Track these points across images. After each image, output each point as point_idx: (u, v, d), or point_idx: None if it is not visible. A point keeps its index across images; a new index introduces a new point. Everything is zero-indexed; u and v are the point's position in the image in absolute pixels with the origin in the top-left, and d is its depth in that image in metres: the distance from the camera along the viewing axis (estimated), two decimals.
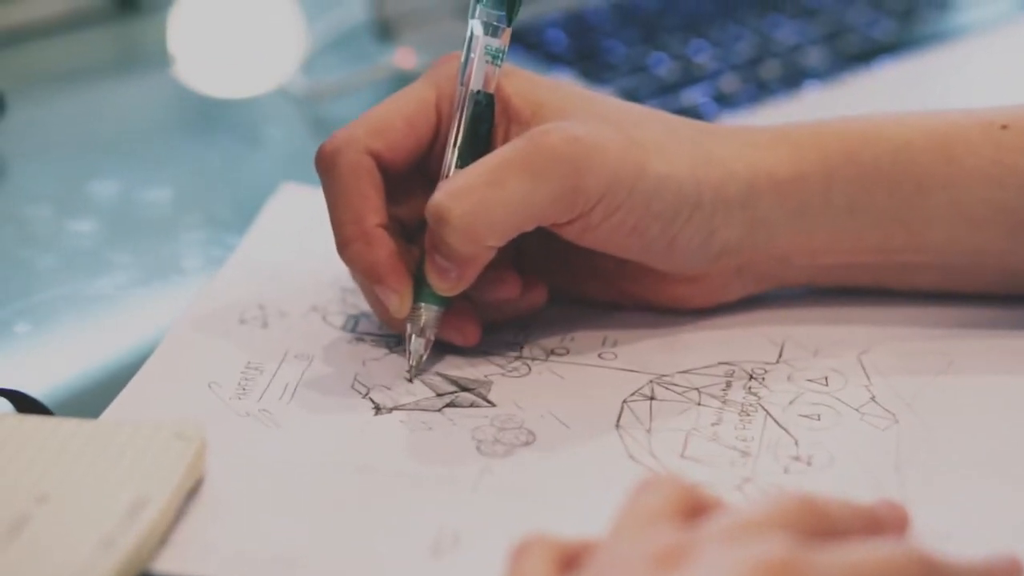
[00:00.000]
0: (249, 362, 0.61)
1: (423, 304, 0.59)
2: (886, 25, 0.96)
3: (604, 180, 0.57)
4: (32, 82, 0.96)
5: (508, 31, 0.59)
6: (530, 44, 0.93)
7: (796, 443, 0.56)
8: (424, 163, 0.61)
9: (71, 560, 0.48)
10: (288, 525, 0.52)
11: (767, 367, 0.61)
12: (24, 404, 0.58)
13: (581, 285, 0.64)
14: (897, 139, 0.61)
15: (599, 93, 0.62)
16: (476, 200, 0.56)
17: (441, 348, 0.61)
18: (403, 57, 0.91)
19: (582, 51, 0.92)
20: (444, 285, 0.58)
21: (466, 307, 0.61)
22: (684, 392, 0.59)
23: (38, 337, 0.68)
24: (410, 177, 0.60)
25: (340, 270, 0.65)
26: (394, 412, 0.58)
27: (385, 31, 0.93)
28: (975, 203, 0.60)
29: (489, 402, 0.59)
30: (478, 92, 0.59)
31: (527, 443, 0.56)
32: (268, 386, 0.59)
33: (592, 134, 0.57)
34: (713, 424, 0.57)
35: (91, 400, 0.59)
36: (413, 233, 0.61)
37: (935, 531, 0.50)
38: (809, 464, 0.55)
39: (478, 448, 0.56)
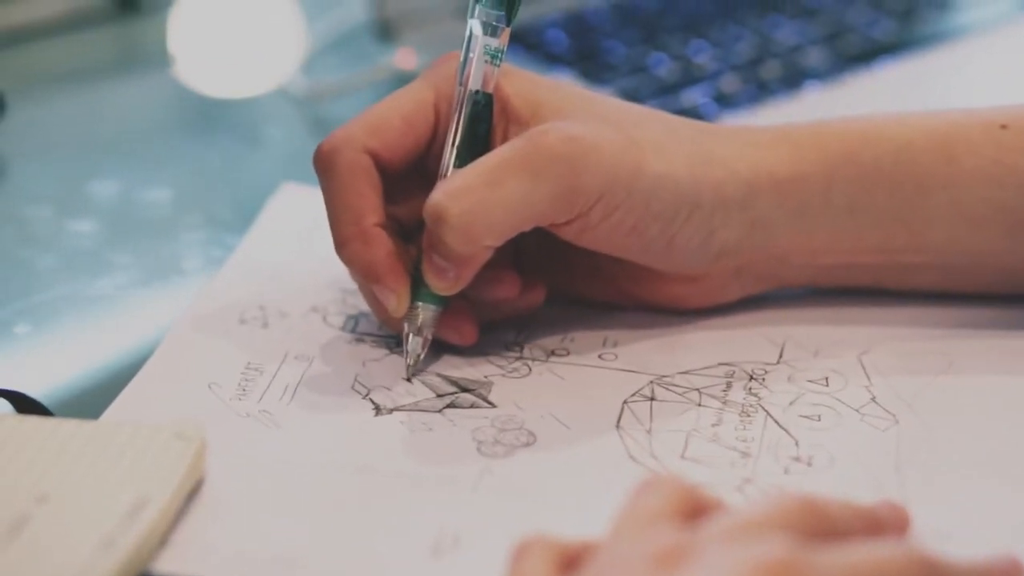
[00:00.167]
0: (249, 363, 0.61)
1: (421, 303, 0.59)
2: (886, 25, 0.96)
3: (602, 180, 0.57)
4: (32, 82, 0.96)
5: (507, 31, 0.59)
6: (530, 44, 0.93)
7: (796, 444, 0.56)
8: (422, 163, 0.61)
9: (71, 560, 0.48)
10: (288, 526, 0.52)
11: (767, 368, 0.61)
12: (24, 405, 0.58)
13: (580, 285, 0.64)
14: (898, 139, 0.61)
15: (598, 93, 0.62)
16: (474, 200, 0.56)
17: (441, 349, 0.61)
18: (403, 57, 0.91)
19: (582, 51, 0.92)
20: (442, 285, 0.58)
21: (464, 306, 0.61)
22: (684, 393, 0.59)
23: (38, 338, 0.68)
24: (408, 176, 0.60)
25: (340, 271, 0.65)
26: (394, 413, 0.58)
27: (385, 31, 0.93)
28: (975, 203, 0.60)
29: (489, 403, 0.59)
30: (477, 92, 0.59)
31: (527, 444, 0.56)
32: (268, 387, 0.59)
33: (591, 134, 0.57)
34: (713, 425, 0.57)
35: (91, 401, 0.59)
36: (411, 232, 0.61)
37: (935, 531, 0.50)
38: (809, 465, 0.55)
39: (478, 449, 0.56)
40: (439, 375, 0.60)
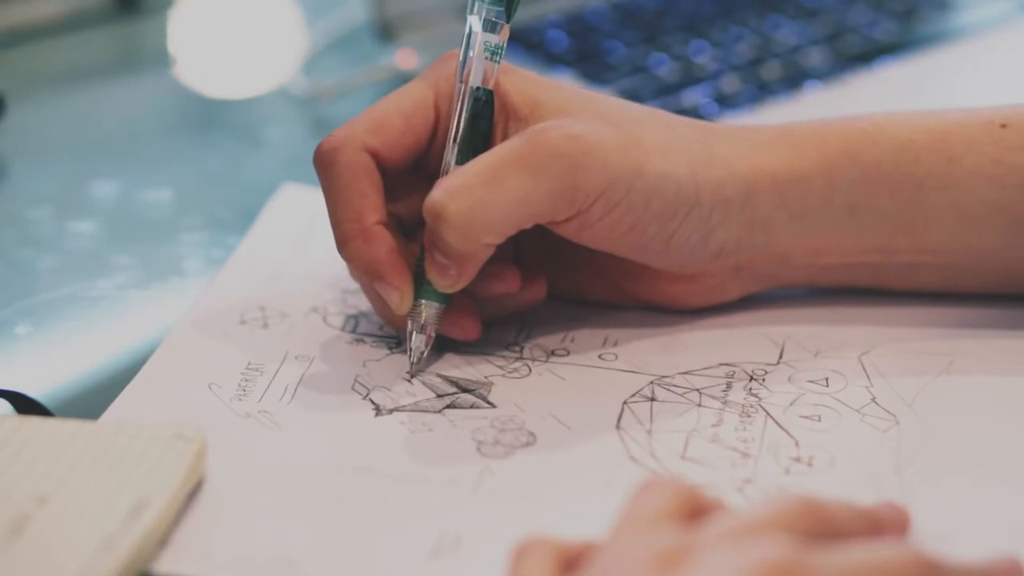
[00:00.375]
0: (249, 363, 0.61)
1: (424, 301, 0.59)
2: (887, 26, 0.96)
3: (602, 178, 0.57)
4: (32, 82, 0.96)
5: (507, 27, 0.59)
6: (531, 45, 0.93)
7: (797, 444, 0.56)
8: (423, 161, 0.61)
9: (71, 561, 0.48)
10: (288, 526, 0.52)
11: (768, 368, 0.60)
12: (24, 405, 0.58)
13: (580, 284, 0.64)
14: (899, 139, 0.61)
15: (599, 92, 0.62)
16: (474, 198, 0.56)
17: (442, 349, 0.61)
18: (404, 58, 0.91)
19: (583, 52, 0.92)
20: (444, 282, 0.58)
21: (466, 302, 0.61)
22: (685, 393, 0.59)
23: (39, 338, 0.68)
24: (409, 175, 0.60)
25: (340, 271, 0.65)
26: (394, 413, 0.58)
27: (386, 32, 0.93)
28: (976, 202, 0.60)
29: (489, 403, 0.59)
30: (477, 88, 0.59)
31: (527, 444, 0.56)
32: (268, 387, 0.59)
33: (591, 132, 0.57)
34: (714, 425, 0.57)
35: (91, 401, 0.59)
36: (412, 230, 0.61)
37: (936, 532, 0.50)
38: (810, 465, 0.55)
39: (479, 449, 0.56)
40: (439, 375, 0.60)
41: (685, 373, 0.60)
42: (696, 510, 0.46)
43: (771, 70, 0.90)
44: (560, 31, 0.95)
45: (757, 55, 0.92)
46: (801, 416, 0.58)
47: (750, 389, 0.59)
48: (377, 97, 0.61)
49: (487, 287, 0.60)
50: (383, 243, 0.58)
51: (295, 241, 0.69)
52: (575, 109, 0.59)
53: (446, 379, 0.60)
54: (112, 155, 0.86)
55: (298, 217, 0.71)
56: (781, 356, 0.61)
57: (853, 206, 0.60)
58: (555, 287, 0.64)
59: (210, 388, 0.59)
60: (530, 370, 0.61)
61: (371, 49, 0.94)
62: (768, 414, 0.58)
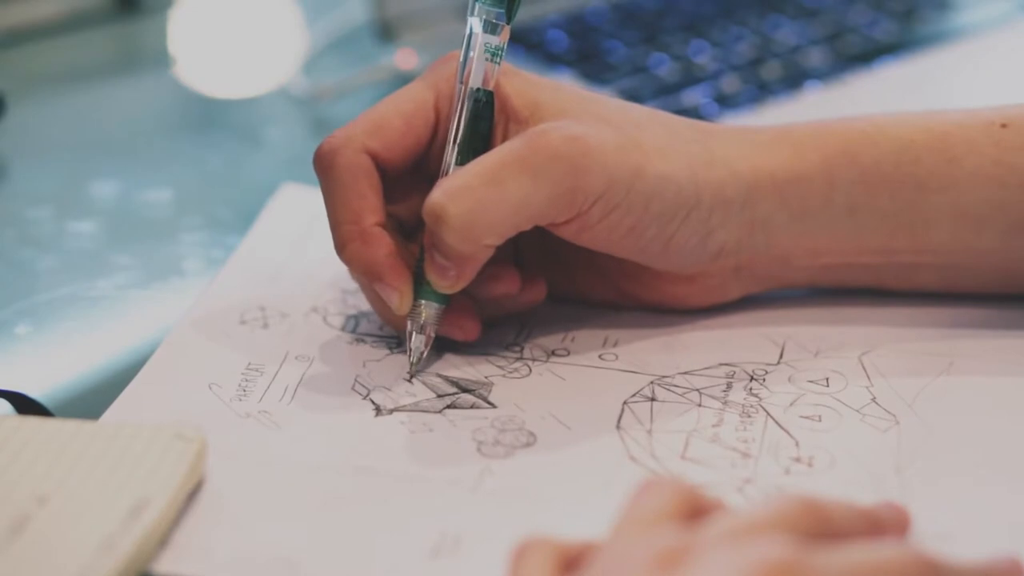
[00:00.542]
0: (250, 363, 0.61)
1: (423, 301, 0.59)
2: (887, 26, 0.96)
3: (602, 180, 0.57)
4: (32, 82, 0.96)
5: (507, 29, 0.59)
6: (531, 45, 0.93)
7: (797, 444, 0.56)
8: (422, 162, 0.61)
9: (71, 561, 0.48)
10: (288, 526, 0.52)
11: (768, 368, 0.60)
12: (24, 405, 0.58)
13: (579, 285, 0.64)
14: (899, 139, 0.61)
15: (599, 94, 0.62)
16: (474, 200, 0.56)
17: (442, 349, 0.61)
18: (404, 58, 0.91)
19: (583, 52, 0.92)
20: (444, 283, 0.58)
21: (466, 303, 0.61)
22: (685, 393, 0.59)
23: (39, 338, 0.68)
24: (408, 175, 0.60)
25: (340, 271, 0.65)
26: (395, 413, 0.58)
27: (386, 32, 0.93)
28: (976, 203, 0.60)
29: (490, 403, 0.59)
30: (478, 90, 0.59)
31: (528, 444, 0.56)
32: (268, 387, 0.59)
33: (591, 134, 0.57)
34: (714, 425, 0.57)
35: (91, 401, 0.59)
36: (412, 231, 0.61)
37: (936, 532, 0.50)
38: (810, 465, 0.55)
39: (479, 449, 0.56)
40: (439, 376, 0.60)
41: (685, 373, 0.60)
42: (696, 510, 0.46)
43: (771, 70, 0.90)
44: (560, 31, 0.95)
45: (757, 55, 0.92)
46: (801, 416, 0.58)
47: (750, 389, 0.59)
48: (377, 97, 0.61)
49: (486, 288, 0.60)
50: (382, 245, 0.58)
51: (295, 241, 0.69)
52: (575, 111, 0.59)
53: (446, 379, 0.60)
54: (112, 155, 0.86)
55: (298, 217, 0.71)
56: (781, 356, 0.61)
57: (853, 206, 0.60)
58: (555, 288, 0.64)
59: (210, 388, 0.59)
60: (530, 370, 0.61)
61: (371, 49, 0.94)
62: (768, 414, 0.58)
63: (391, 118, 0.59)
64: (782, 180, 0.60)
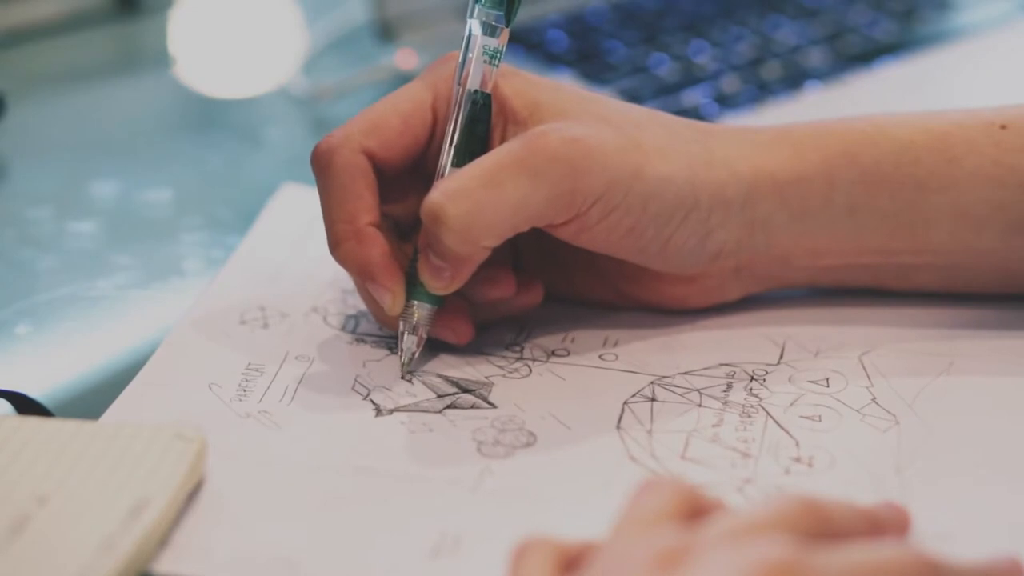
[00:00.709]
0: (250, 363, 0.61)
1: (416, 302, 0.59)
2: (887, 26, 0.96)
3: (601, 181, 0.57)
4: (32, 82, 0.96)
5: (506, 31, 0.59)
6: (531, 45, 0.93)
7: (797, 444, 0.56)
8: (420, 162, 0.61)
9: (71, 561, 0.48)
10: (288, 527, 0.52)
11: (768, 368, 0.60)
12: (24, 406, 0.58)
13: (578, 286, 0.64)
14: (899, 140, 0.61)
15: (598, 94, 0.62)
16: (472, 201, 0.56)
17: (442, 349, 0.61)
18: (404, 58, 0.91)
19: (583, 52, 0.92)
20: (438, 284, 0.58)
21: (460, 305, 0.61)
22: (685, 393, 0.59)
23: (39, 338, 0.68)
24: (405, 176, 0.60)
25: (340, 271, 0.65)
26: (395, 414, 0.58)
27: (386, 32, 0.93)
28: (976, 203, 0.60)
29: (490, 403, 0.59)
30: (475, 92, 0.59)
31: (528, 444, 0.56)
32: (268, 387, 0.59)
33: (590, 135, 0.57)
34: (714, 425, 0.57)
35: (91, 401, 0.59)
36: (408, 231, 0.61)
37: (936, 532, 0.50)
38: (810, 465, 0.55)
39: (479, 449, 0.56)
40: (439, 376, 0.60)
41: (685, 373, 0.60)
42: (696, 510, 0.46)
43: (771, 70, 0.90)
44: (560, 31, 0.95)
45: (757, 55, 0.92)
46: (801, 416, 0.58)
47: (750, 389, 0.59)
48: (377, 97, 0.61)
49: (482, 291, 0.60)
50: (376, 244, 0.58)
51: (295, 241, 0.69)
52: (574, 111, 0.59)
53: (446, 379, 0.60)
54: (112, 155, 0.86)
55: (298, 217, 0.71)
56: (781, 356, 0.61)
57: (853, 206, 0.60)
58: (554, 289, 0.64)
59: (210, 388, 0.59)
60: (530, 370, 0.61)
61: (371, 49, 0.94)
62: (768, 414, 0.58)
63: (389, 118, 0.59)
64: (782, 180, 0.60)
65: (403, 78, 0.87)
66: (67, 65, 0.99)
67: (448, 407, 0.58)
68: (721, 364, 0.61)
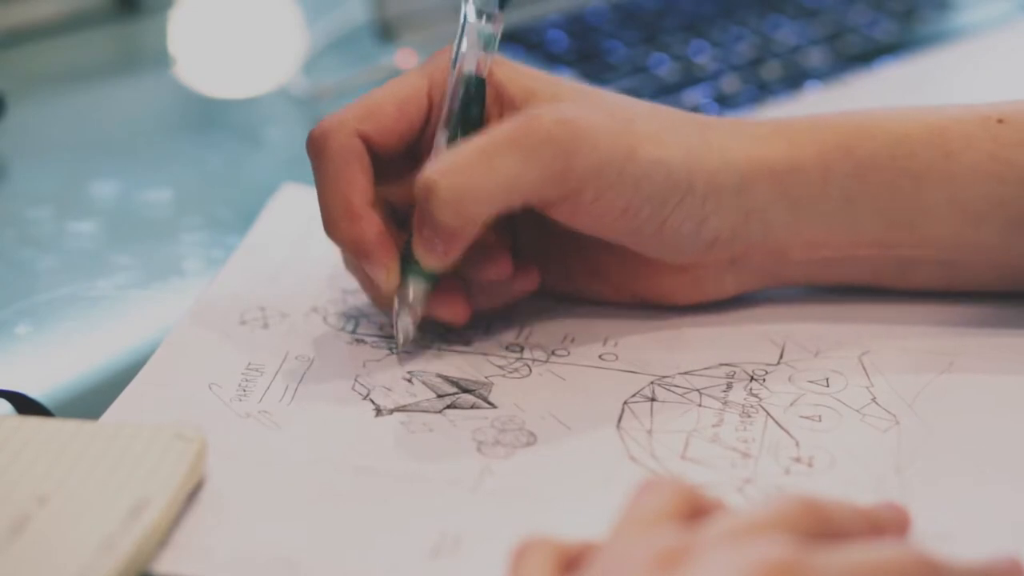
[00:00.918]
0: (250, 363, 0.61)
1: (411, 278, 0.59)
2: (887, 26, 0.96)
3: (594, 162, 0.57)
4: (32, 82, 0.96)
5: (501, 16, 0.59)
6: (531, 45, 0.93)
7: (797, 444, 0.56)
8: (415, 148, 0.61)
9: (71, 561, 0.48)
10: (288, 527, 0.52)
11: (768, 368, 0.60)
12: (24, 405, 0.58)
13: (577, 281, 0.64)
14: (894, 132, 0.61)
15: (594, 87, 0.63)
16: (464, 176, 0.56)
17: (442, 349, 0.61)
18: (404, 58, 0.91)
19: (583, 51, 0.92)
20: (430, 259, 0.58)
21: (455, 284, 0.61)
22: (685, 393, 0.59)
23: (39, 338, 0.68)
24: (401, 162, 0.61)
25: (340, 271, 0.65)
26: (395, 413, 0.58)
27: (386, 32, 0.93)
28: (974, 198, 0.60)
29: (490, 403, 0.59)
30: (469, 76, 0.59)
31: (528, 444, 0.56)
32: (268, 387, 0.59)
33: (583, 117, 0.57)
34: (714, 425, 0.57)
35: (92, 401, 0.59)
36: (404, 218, 0.61)
37: (936, 532, 0.50)
38: (810, 465, 0.55)
39: (479, 449, 0.56)
40: (439, 376, 0.60)
41: (685, 373, 0.60)
42: (696, 510, 0.46)
43: (771, 70, 0.90)
44: (560, 31, 0.95)
45: (757, 55, 0.92)
46: (801, 416, 0.58)
47: (750, 389, 0.59)
48: None
49: (479, 271, 0.61)
50: (370, 223, 0.59)
51: (295, 241, 0.69)
52: (569, 98, 0.59)
53: (446, 379, 0.60)
54: (112, 155, 0.86)
55: (298, 217, 0.71)
56: (781, 356, 0.61)
57: (849, 198, 0.60)
58: (553, 286, 0.64)
59: (210, 388, 0.59)
60: (530, 370, 0.61)
61: (371, 49, 0.94)
62: (768, 414, 0.58)
63: (384, 103, 0.60)
64: (778, 170, 0.60)
65: None
66: (67, 65, 0.99)
67: (448, 407, 0.58)
68: (721, 364, 0.61)
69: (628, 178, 0.57)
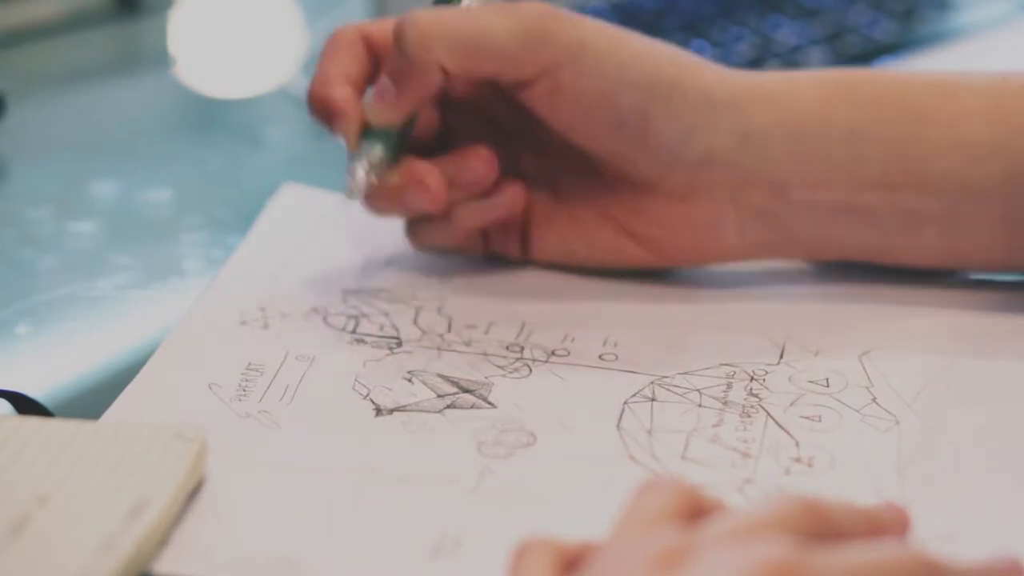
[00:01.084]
0: (250, 363, 0.61)
1: (370, 142, 0.61)
2: (886, 25, 0.96)
3: (575, 37, 0.59)
4: (32, 82, 0.96)
5: None
6: None
7: (797, 444, 0.56)
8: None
9: (71, 561, 0.48)
10: (288, 526, 0.52)
11: (768, 368, 0.60)
12: (24, 406, 0.58)
13: (588, 235, 0.64)
14: (898, 79, 0.62)
15: None
16: (441, 17, 0.59)
17: (442, 349, 0.61)
18: None
19: None
20: (379, 105, 0.60)
21: (433, 169, 0.62)
22: (685, 393, 0.59)
23: (39, 338, 0.68)
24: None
25: (340, 271, 0.65)
26: (395, 413, 0.58)
27: None
28: (975, 140, 0.60)
29: (490, 403, 0.59)
30: None
31: (528, 444, 0.56)
32: (268, 387, 0.59)
33: (573, 13, 0.59)
34: (714, 425, 0.57)
35: (91, 401, 0.59)
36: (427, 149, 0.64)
37: (936, 532, 0.50)
38: (810, 466, 0.55)
39: (479, 449, 0.56)
40: (439, 376, 0.60)
41: (685, 373, 0.60)
42: (696, 510, 0.46)
43: (771, 70, 0.90)
44: None
45: (757, 55, 0.92)
46: (801, 416, 0.58)
47: (750, 389, 0.59)
48: None
49: (462, 166, 0.62)
50: (341, 90, 0.61)
51: (295, 241, 0.69)
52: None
53: (446, 379, 0.60)
54: (112, 155, 0.86)
55: (298, 217, 0.71)
56: (781, 356, 0.61)
57: (851, 133, 0.61)
58: (568, 249, 0.65)
59: (210, 388, 0.59)
60: (530, 370, 0.61)
61: None
62: (768, 414, 0.58)
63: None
64: (777, 98, 0.61)
65: None
66: (67, 65, 0.99)
67: (448, 407, 0.58)
68: (721, 364, 0.61)
69: (610, 63, 0.59)
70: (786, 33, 0.95)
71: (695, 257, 0.64)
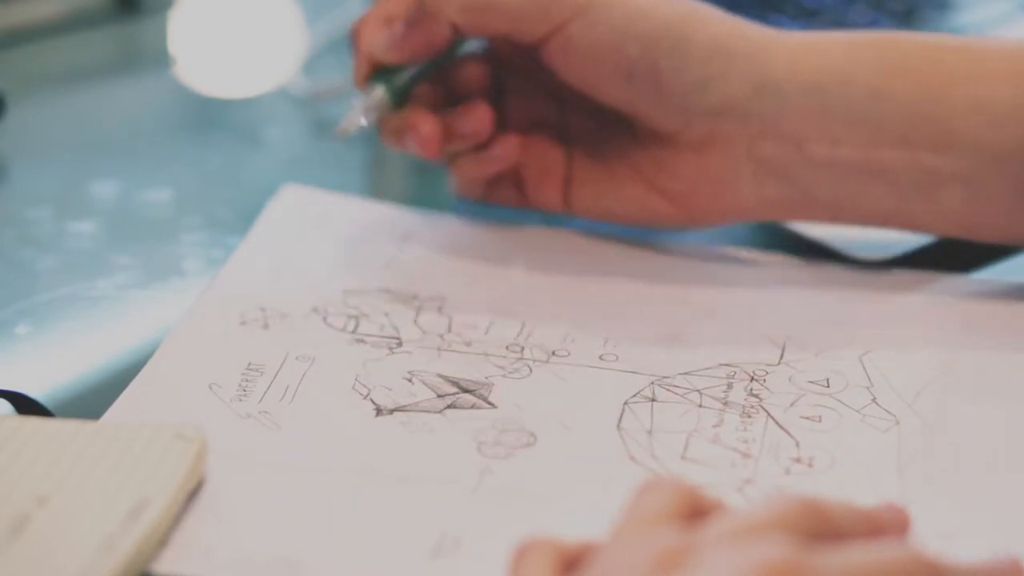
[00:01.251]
0: (250, 363, 0.61)
1: (377, 84, 0.64)
2: (887, 25, 0.96)
3: None
4: (32, 82, 0.96)
5: None
6: None
7: (797, 445, 0.56)
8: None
9: (71, 562, 0.48)
10: (288, 527, 0.52)
11: (768, 368, 0.60)
12: (24, 406, 0.58)
13: (621, 188, 0.65)
14: (923, 42, 0.63)
15: None
16: None
17: (442, 349, 0.61)
18: None
19: None
20: (379, 38, 0.62)
21: (431, 117, 0.64)
22: (685, 394, 0.59)
23: (39, 338, 0.68)
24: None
25: (341, 271, 0.65)
26: (395, 413, 0.58)
27: None
28: (999, 102, 0.61)
29: (490, 404, 0.59)
30: None
31: (528, 445, 0.56)
32: (269, 387, 0.59)
33: None
34: (714, 426, 0.57)
35: (91, 401, 0.59)
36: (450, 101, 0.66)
37: (937, 532, 0.50)
38: (810, 466, 0.55)
39: (479, 450, 0.56)
40: (439, 376, 0.60)
41: (686, 373, 0.60)
42: (696, 510, 0.46)
43: None
44: None
45: None
46: (802, 416, 0.58)
47: (751, 389, 0.59)
48: None
49: (462, 120, 0.64)
50: (376, 26, 0.63)
51: (295, 241, 0.69)
52: None
53: (446, 379, 0.60)
54: (112, 155, 0.86)
55: (298, 217, 0.71)
56: (782, 356, 0.61)
57: (874, 89, 0.61)
58: (604, 205, 0.66)
59: (210, 388, 0.59)
60: (531, 370, 0.61)
61: None
62: (769, 414, 0.58)
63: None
64: (798, 49, 0.62)
65: None
66: (67, 65, 0.99)
67: (448, 407, 0.58)
68: (721, 364, 0.61)
69: (617, 13, 0.60)
70: None
71: (715, 213, 0.64)
